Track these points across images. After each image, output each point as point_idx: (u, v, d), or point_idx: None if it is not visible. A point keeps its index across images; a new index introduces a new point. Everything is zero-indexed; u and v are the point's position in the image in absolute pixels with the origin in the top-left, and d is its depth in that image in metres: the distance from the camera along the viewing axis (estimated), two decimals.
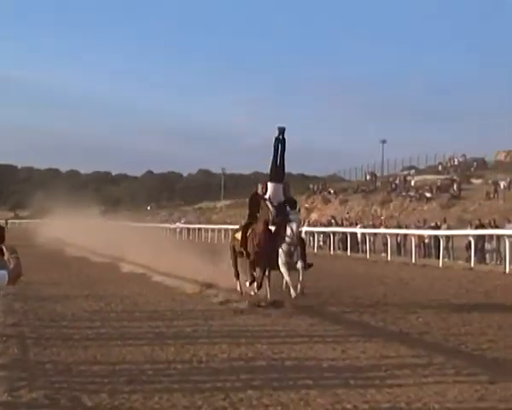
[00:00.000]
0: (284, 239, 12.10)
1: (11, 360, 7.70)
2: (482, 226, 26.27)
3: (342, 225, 37.06)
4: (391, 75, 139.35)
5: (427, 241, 26.68)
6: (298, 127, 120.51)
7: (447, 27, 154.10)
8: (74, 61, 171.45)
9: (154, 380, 6.80)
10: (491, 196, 44.93)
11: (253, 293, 12.77)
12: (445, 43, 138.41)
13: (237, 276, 13.28)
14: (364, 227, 33.78)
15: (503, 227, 24.99)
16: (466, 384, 6.58)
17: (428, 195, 52.98)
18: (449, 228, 27.53)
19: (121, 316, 11.41)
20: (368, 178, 68.17)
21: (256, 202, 12.67)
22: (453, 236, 25.59)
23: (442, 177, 59.21)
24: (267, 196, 12.48)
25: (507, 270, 20.74)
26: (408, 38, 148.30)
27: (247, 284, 12.70)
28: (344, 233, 33.30)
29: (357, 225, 35.93)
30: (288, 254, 12.11)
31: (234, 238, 13.51)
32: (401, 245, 28.86)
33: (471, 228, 26.17)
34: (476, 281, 18.60)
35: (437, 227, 28.02)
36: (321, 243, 34.53)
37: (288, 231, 12.06)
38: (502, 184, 46.66)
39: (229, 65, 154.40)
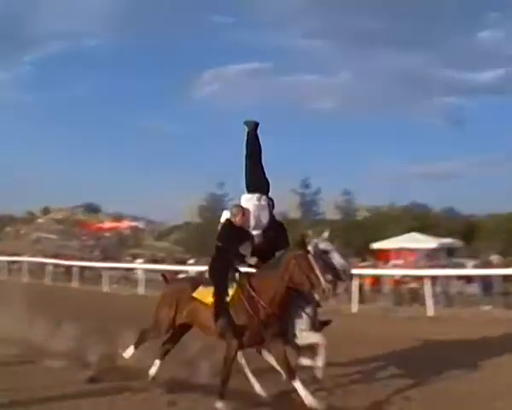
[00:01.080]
0: (307, 298, 4.27)
1: None
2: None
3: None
4: None
5: None
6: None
7: None
8: None
9: None
10: None
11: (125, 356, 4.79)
12: None
13: (138, 345, 4.74)
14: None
15: None
16: None
17: None
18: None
19: None
20: None
21: (236, 237, 4.29)
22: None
23: None
24: (252, 222, 4.34)
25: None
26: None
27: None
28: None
29: None
30: (313, 318, 4.35)
31: (192, 299, 4.34)
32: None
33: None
34: None
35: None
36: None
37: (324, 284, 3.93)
38: None
39: None
